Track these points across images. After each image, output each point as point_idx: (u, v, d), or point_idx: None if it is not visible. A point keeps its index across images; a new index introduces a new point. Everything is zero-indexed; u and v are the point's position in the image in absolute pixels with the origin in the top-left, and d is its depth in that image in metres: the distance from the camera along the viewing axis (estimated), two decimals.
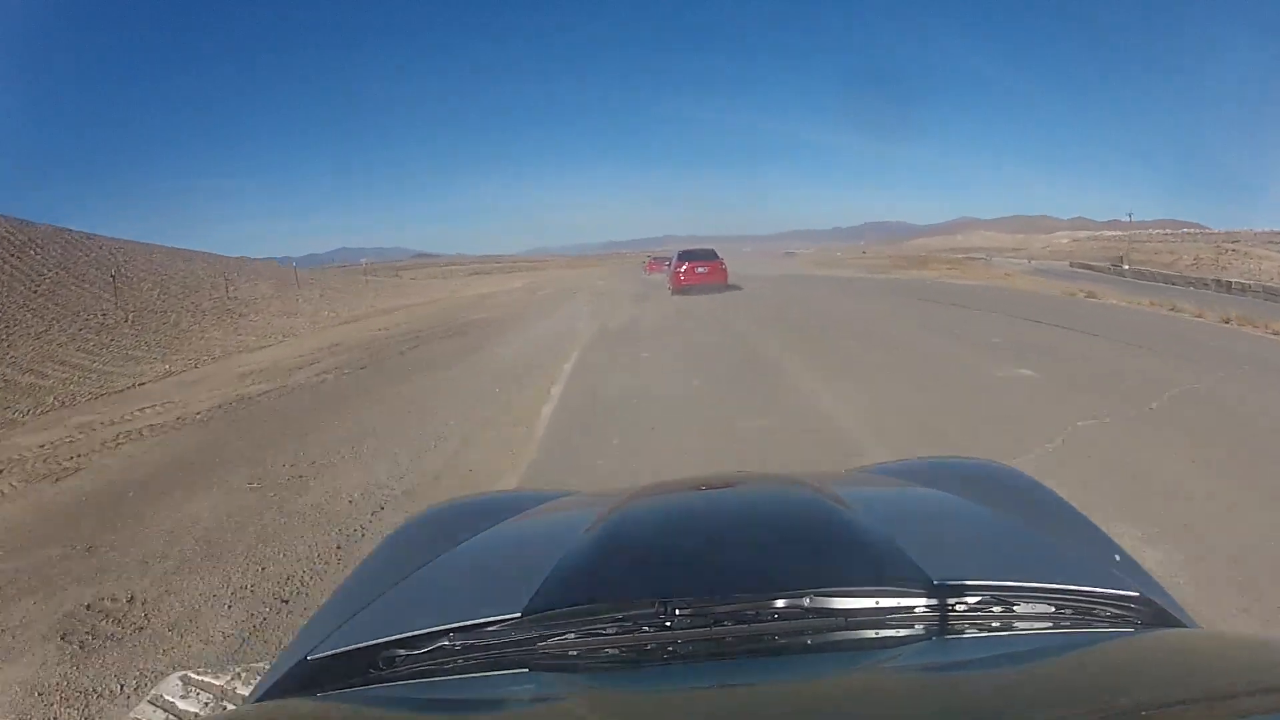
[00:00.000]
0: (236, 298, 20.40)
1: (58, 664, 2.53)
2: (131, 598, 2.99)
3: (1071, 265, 53.09)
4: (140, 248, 24.89)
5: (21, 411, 8.36)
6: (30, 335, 13.24)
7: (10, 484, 5.01)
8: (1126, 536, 2.75)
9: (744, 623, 0.73)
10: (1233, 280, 30.34)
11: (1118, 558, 0.95)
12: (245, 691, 1.97)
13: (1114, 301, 12.77)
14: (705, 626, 0.73)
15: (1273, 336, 7.90)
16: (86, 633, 2.73)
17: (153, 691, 2.12)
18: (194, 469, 4.93)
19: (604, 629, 0.74)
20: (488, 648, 0.75)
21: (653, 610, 0.74)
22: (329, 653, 0.77)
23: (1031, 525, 1.00)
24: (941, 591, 0.74)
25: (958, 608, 0.75)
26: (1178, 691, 0.59)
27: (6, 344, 12.26)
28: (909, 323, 10.06)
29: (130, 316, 17.14)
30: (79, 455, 5.66)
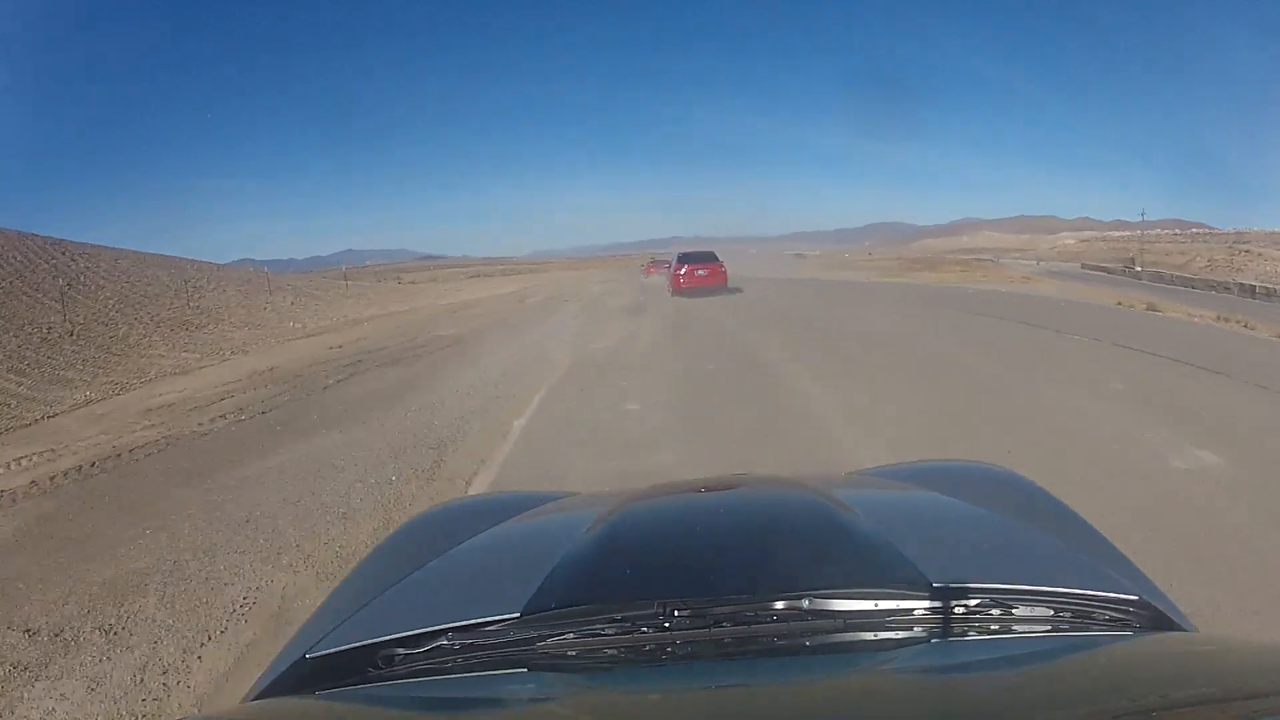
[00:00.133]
0: (199, 308, 18.82)
1: None
2: None
3: (1083, 267, 52.01)
4: (108, 253, 23.34)
5: None
6: None
7: None
8: None
9: (743, 624, 0.73)
10: (1255, 284, 29.03)
11: (1116, 561, 0.95)
12: None
13: (1177, 315, 11.14)
14: (704, 627, 0.73)
15: None
16: None
17: None
18: None
19: (603, 629, 0.74)
20: (487, 647, 0.74)
21: (652, 611, 0.73)
22: (327, 651, 0.77)
23: (1031, 528, 0.99)
24: (940, 594, 0.74)
25: (956, 610, 0.74)
26: (1176, 695, 0.58)
27: None
28: (969, 348, 7.83)
29: (77, 330, 15.54)
30: None
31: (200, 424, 6.35)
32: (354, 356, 9.51)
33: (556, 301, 18.35)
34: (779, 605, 0.73)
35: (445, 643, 0.75)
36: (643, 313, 13.45)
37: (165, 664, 2.57)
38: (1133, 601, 0.78)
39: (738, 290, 18.23)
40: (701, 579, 0.79)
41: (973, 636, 0.73)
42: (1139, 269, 43.92)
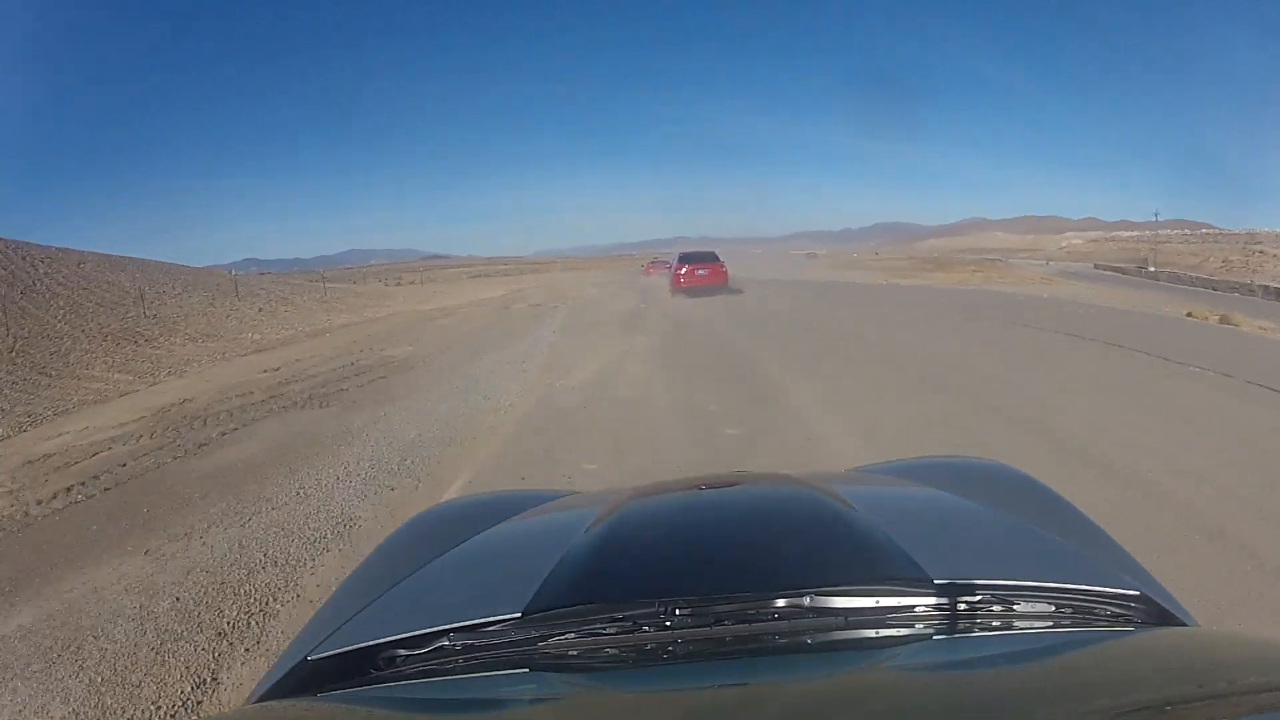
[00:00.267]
0: (156, 316, 17.27)
1: None
2: None
3: (1096, 267, 50.54)
4: (73, 256, 21.83)
5: None
6: None
7: None
8: None
9: (744, 622, 0.72)
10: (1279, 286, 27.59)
11: (1118, 557, 0.94)
12: None
13: (1252, 329, 9.53)
14: (705, 626, 0.72)
15: None
16: None
17: None
18: None
19: (604, 629, 0.73)
20: (488, 648, 0.74)
21: (653, 610, 0.73)
22: (329, 653, 0.77)
23: (1032, 524, 0.96)
24: (942, 590, 0.74)
25: (958, 607, 0.74)
26: (1178, 690, 0.58)
27: None
28: (1083, 395, 5.42)
29: (16, 344, 13.99)
30: None
31: (27, 506, 4.67)
32: (275, 388, 7.73)
33: (543, 309, 16.71)
34: (780, 603, 0.73)
35: (446, 643, 0.75)
36: (637, 326, 11.54)
37: None
38: (1134, 597, 0.78)
39: (746, 295, 16.68)
40: (702, 577, 0.78)
41: (975, 633, 0.73)
42: (1152, 269, 42.57)
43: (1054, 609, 0.75)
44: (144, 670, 2.57)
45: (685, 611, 0.72)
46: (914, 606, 0.73)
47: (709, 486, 1.15)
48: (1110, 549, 0.96)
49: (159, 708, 2.35)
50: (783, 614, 0.72)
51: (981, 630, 0.73)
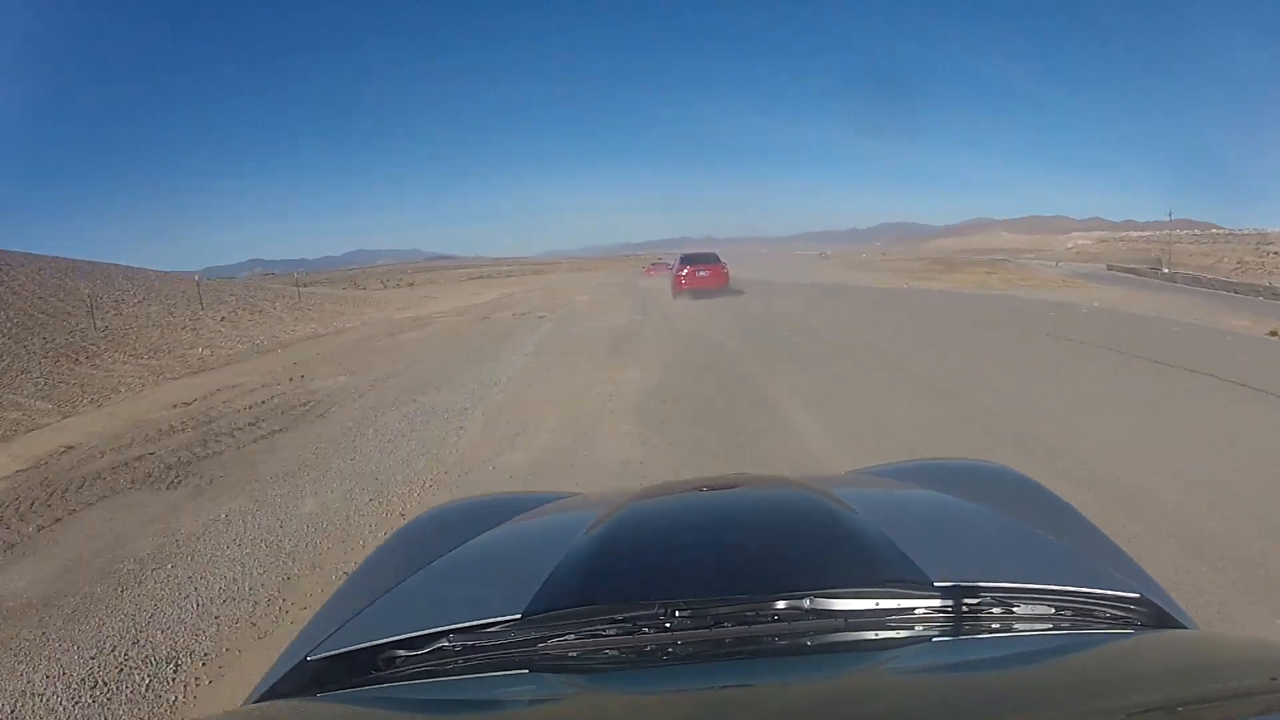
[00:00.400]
0: (107, 328, 15.83)
1: None
2: None
3: (1109, 269, 49.03)
4: (34, 262, 20.42)
5: None
6: None
7: None
8: None
9: (744, 624, 0.72)
10: None
11: (1117, 558, 0.93)
12: None
13: None
14: (705, 628, 0.72)
15: None
16: None
17: None
18: None
19: (604, 630, 0.73)
20: (488, 649, 0.74)
21: (653, 611, 0.73)
22: (329, 653, 0.76)
23: (1032, 526, 0.96)
24: (942, 593, 0.73)
25: (958, 609, 0.74)
26: (1177, 692, 0.58)
27: None
28: (1168, 446, 4.06)
29: None
30: None
31: None
32: (156, 438, 5.90)
33: (529, 319, 15.21)
34: (780, 605, 0.73)
35: (446, 644, 0.74)
36: (631, 346, 9.65)
37: None
38: (1134, 599, 0.77)
39: (761, 305, 15.05)
40: (702, 579, 0.78)
41: (974, 635, 0.73)
42: (1166, 270, 41.11)
43: (1053, 611, 0.75)
44: None
45: (685, 613, 0.72)
46: (914, 609, 0.73)
47: (709, 489, 1.17)
48: (1109, 551, 0.96)
49: None
50: (783, 616, 0.72)
51: (981, 632, 0.73)
